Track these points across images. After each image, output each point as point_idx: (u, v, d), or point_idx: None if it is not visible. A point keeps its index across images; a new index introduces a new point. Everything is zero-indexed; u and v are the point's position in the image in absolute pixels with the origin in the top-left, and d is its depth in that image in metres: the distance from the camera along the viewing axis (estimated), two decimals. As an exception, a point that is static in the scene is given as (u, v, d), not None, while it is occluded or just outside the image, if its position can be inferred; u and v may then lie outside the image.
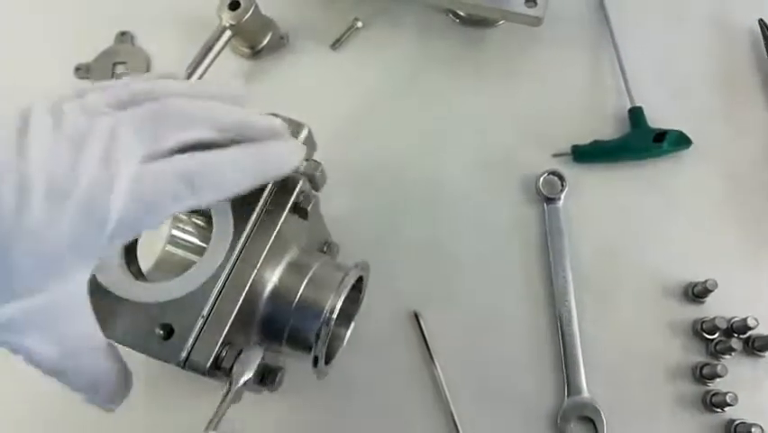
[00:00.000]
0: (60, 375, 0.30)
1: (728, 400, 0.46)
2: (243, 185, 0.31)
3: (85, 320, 0.30)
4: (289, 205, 0.36)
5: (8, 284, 0.27)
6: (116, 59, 0.61)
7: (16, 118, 0.28)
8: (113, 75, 0.61)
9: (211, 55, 0.56)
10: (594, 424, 0.47)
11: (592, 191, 0.54)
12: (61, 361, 0.30)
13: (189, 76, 0.56)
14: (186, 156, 0.30)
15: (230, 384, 0.33)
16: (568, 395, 0.48)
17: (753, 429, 0.45)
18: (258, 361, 0.33)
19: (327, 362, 0.40)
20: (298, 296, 0.37)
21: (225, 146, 0.31)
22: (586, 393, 0.48)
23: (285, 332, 0.38)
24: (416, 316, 0.50)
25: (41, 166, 0.27)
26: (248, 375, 0.33)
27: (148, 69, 0.61)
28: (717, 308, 0.50)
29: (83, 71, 0.61)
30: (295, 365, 0.44)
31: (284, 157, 0.33)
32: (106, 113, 0.29)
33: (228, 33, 0.56)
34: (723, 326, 0.48)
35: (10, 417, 0.50)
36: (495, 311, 0.51)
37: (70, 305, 0.29)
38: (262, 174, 0.32)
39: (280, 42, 0.61)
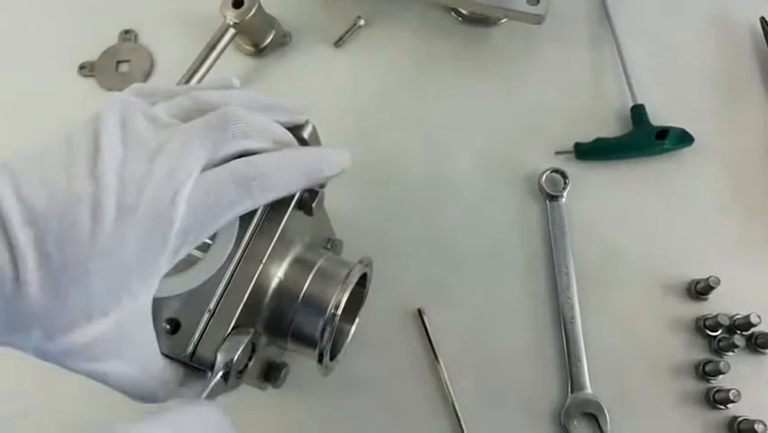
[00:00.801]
0: (130, 390, 0.31)
1: (731, 396, 0.46)
2: (295, 186, 0.34)
3: (149, 335, 0.31)
4: (294, 200, 0.36)
5: (86, 308, 0.27)
6: (120, 58, 0.61)
7: (88, 133, 0.29)
8: (116, 73, 0.61)
9: (214, 53, 0.57)
10: (597, 420, 0.47)
11: (595, 189, 0.55)
12: (135, 379, 0.30)
13: (192, 74, 0.56)
14: (240, 161, 0.31)
15: (212, 369, 0.33)
16: (571, 391, 0.48)
17: (756, 426, 0.45)
18: (242, 346, 0.33)
19: (332, 358, 0.40)
20: (303, 291, 0.37)
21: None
22: (589, 390, 0.48)
23: (290, 327, 0.38)
24: (420, 313, 0.50)
25: (113, 185, 0.27)
26: (230, 357, 0.33)
27: (151, 68, 0.61)
28: (720, 304, 0.50)
29: (87, 69, 0.61)
30: (299, 362, 0.44)
31: (333, 159, 0.35)
32: (172, 124, 0.30)
33: (232, 32, 0.57)
34: (726, 322, 0.48)
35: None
36: (498, 308, 0.51)
37: (139, 324, 0.30)
38: (312, 175, 0.34)
39: (284, 41, 0.61)
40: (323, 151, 0.36)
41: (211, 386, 0.32)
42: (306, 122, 0.39)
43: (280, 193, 0.33)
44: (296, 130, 0.37)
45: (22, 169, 0.28)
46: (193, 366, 0.33)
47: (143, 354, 0.31)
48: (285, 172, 0.32)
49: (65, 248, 0.26)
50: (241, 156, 0.32)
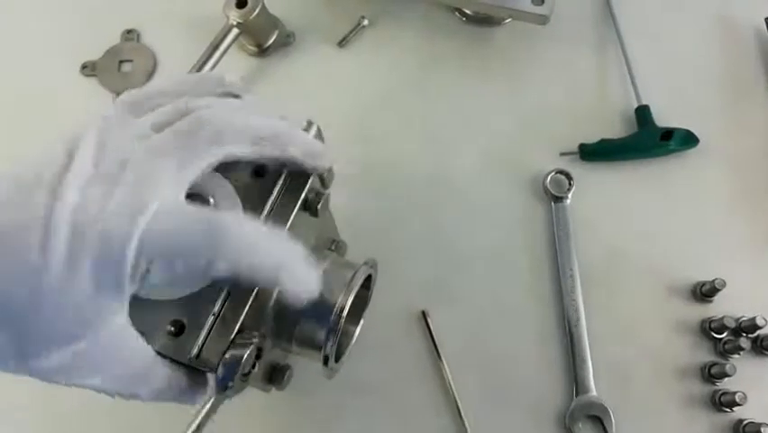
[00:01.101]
0: (131, 398, 0.31)
1: (737, 399, 0.46)
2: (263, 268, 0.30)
3: (135, 348, 0.30)
4: (300, 202, 0.35)
5: (47, 337, 0.26)
6: (122, 57, 0.61)
7: (63, 151, 0.28)
8: (118, 73, 0.61)
9: (218, 53, 0.56)
10: (602, 423, 0.47)
11: (599, 190, 0.54)
12: (127, 388, 0.30)
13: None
14: (215, 213, 0.30)
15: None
16: (576, 394, 0.48)
17: (762, 429, 0.45)
18: (248, 351, 0.33)
19: (337, 360, 0.40)
20: (308, 294, 0.37)
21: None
22: (594, 392, 0.48)
23: (294, 330, 0.37)
24: (424, 315, 0.50)
25: (71, 207, 0.26)
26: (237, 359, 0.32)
27: (154, 68, 0.61)
28: (726, 307, 0.50)
29: (89, 69, 0.61)
30: (302, 364, 0.44)
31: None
32: (147, 136, 0.29)
33: (235, 32, 0.56)
34: (731, 325, 0.48)
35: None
36: (502, 310, 0.51)
37: (116, 341, 0.29)
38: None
39: (287, 41, 0.61)
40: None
41: (214, 389, 0.32)
42: (311, 123, 0.38)
43: (243, 268, 0.29)
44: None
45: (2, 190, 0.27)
46: (196, 369, 0.33)
47: (133, 366, 0.30)
48: (254, 245, 0.29)
49: (10, 277, 0.25)
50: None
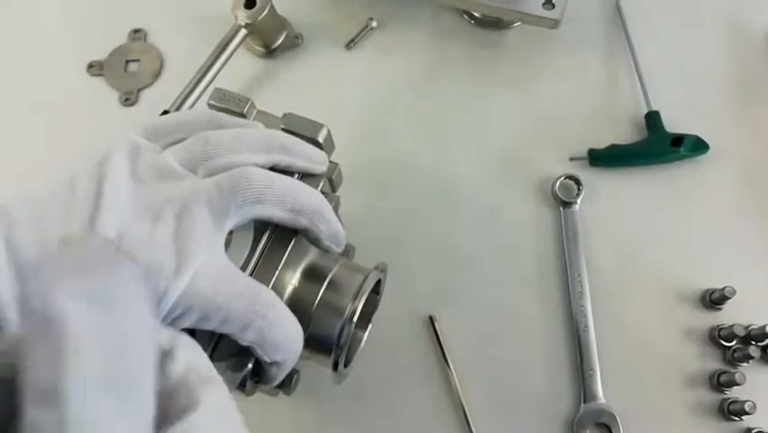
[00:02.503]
0: None
1: (746, 408, 0.46)
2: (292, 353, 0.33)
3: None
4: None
5: None
6: (129, 57, 0.61)
7: (92, 180, 0.27)
8: (125, 72, 0.60)
9: (225, 54, 0.56)
10: (610, 431, 0.47)
11: (609, 196, 0.54)
12: None
13: (203, 75, 0.55)
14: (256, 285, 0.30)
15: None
16: (584, 401, 0.48)
17: (771, 438, 0.45)
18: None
19: (346, 365, 0.40)
20: (318, 300, 0.37)
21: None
22: (602, 399, 0.48)
23: (304, 335, 0.37)
24: (432, 320, 0.50)
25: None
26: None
27: (161, 68, 0.61)
28: (735, 315, 0.49)
29: (96, 69, 0.61)
30: (310, 368, 0.44)
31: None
32: (181, 175, 0.29)
33: (243, 32, 0.56)
34: (741, 333, 0.48)
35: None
36: (510, 315, 0.51)
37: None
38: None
39: (295, 42, 0.60)
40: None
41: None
42: (321, 126, 0.38)
43: (274, 355, 0.32)
44: (310, 135, 0.37)
45: (18, 211, 0.26)
46: None
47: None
48: (286, 337, 0.32)
49: None
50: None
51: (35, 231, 0.25)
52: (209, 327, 0.29)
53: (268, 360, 0.32)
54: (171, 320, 0.28)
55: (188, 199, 0.28)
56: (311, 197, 0.33)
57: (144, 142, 0.30)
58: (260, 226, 0.34)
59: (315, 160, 0.35)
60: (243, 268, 0.33)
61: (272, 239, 0.34)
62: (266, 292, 0.31)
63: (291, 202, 0.32)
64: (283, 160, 0.34)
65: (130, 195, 0.27)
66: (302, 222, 0.33)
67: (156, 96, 0.59)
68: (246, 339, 0.30)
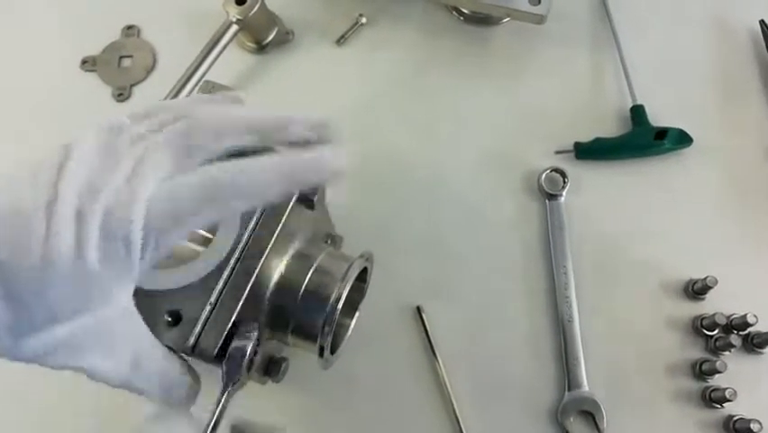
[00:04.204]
0: (129, 387, 0.31)
1: (727, 395, 0.47)
2: (272, 193, 0.31)
3: (137, 332, 0.31)
4: (296, 195, 0.36)
5: (50, 311, 0.27)
6: (123, 53, 0.62)
7: (59, 151, 0.28)
8: (118, 68, 0.61)
9: (217, 50, 0.57)
10: (594, 418, 0.48)
11: (594, 188, 0.55)
12: (124, 374, 0.30)
13: (194, 70, 0.56)
14: (212, 167, 0.30)
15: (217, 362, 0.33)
16: (568, 389, 0.48)
17: (752, 425, 0.46)
18: (253, 339, 0.33)
19: (332, 351, 0.40)
20: (304, 286, 0.38)
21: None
22: (586, 388, 0.48)
23: (291, 321, 0.38)
24: (419, 310, 0.51)
25: (73, 195, 0.27)
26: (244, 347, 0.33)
27: (153, 64, 0.61)
28: (717, 304, 0.50)
29: (89, 64, 0.61)
30: (299, 357, 0.44)
31: (320, 163, 0.32)
32: (144, 137, 0.30)
33: (234, 28, 0.57)
34: (722, 322, 0.49)
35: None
36: (497, 306, 0.51)
37: (118, 321, 0.29)
38: (295, 181, 0.32)
39: (286, 38, 0.61)
40: (310, 156, 0.32)
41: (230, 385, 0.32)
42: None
43: (254, 202, 0.31)
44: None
45: None
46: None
47: (132, 350, 0.30)
48: (258, 181, 0.30)
49: (18, 254, 0.26)
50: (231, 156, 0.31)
51: (7, 193, 0.27)
52: (199, 224, 0.30)
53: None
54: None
55: (145, 149, 0.29)
56: (265, 114, 0.33)
57: (116, 120, 0.31)
58: (246, 213, 0.35)
59: (316, 124, 0.34)
60: (230, 254, 0.34)
61: (258, 226, 0.35)
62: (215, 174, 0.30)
63: (247, 126, 0.32)
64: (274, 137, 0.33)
65: (96, 154, 0.29)
66: (272, 138, 0.33)
67: (149, 92, 0.60)
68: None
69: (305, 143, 0.33)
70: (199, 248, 0.37)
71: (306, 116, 0.34)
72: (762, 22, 0.60)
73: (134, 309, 0.30)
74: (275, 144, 0.33)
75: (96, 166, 0.28)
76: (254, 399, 0.49)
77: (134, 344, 0.31)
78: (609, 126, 0.57)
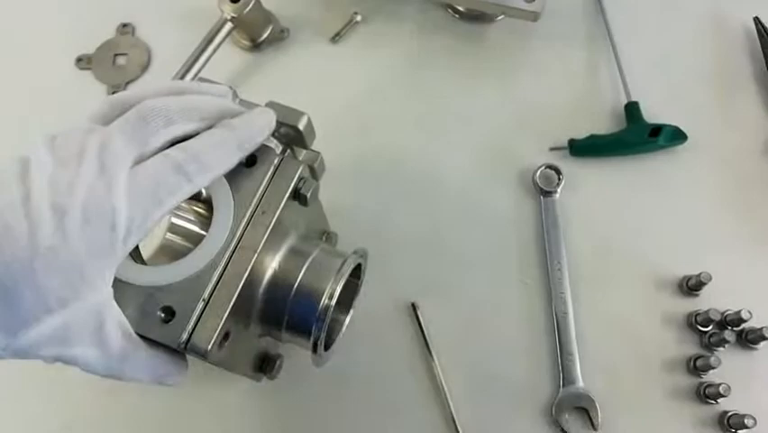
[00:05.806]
0: (118, 375, 0.32)
1: (722, 391, 0.47)
2: (231, 161, 0.34)
3: (118, 320, 0.31)
4: (289, 190, 0.36)
5: (42, 302, 0.28)
6: (117, 51, 0.62)
7: (17, 162, 0.30)
8: (113, 66, 0.61)
9: (211, 47, 0.57)
10: (589, 414, 0.48)
11: (588, 185, 0.55)
12: (112, 362, 0.31)
13: (189, 68, 0.56)
14: (174, 148, 0.32)
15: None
16: (563, 385, 0.48)
17: (746, 420, 0.46)
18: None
19: (327, 348, 0.40)
20: (298, 282, 0.38)
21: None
22: (581, 384, 0.48)
23: (285, 318, 0.38)
24: (414, 307, 0.51)
25: (44, 188, 0.28)
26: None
27: (148, 61, 0.61)
28: (711, 300, 0.50)
29: (84, 62, 0.61)
30: (294, 354, 0.45)
31: (259, 123, 0.35)
32: (94, 129, 0.31)
33: (229, 26, 0.57)
34: (717, 318, 0.49)
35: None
36: (491, 302, 0.52)
37: (107, 306, 0.30)
38: (245, 146, 0.34)
39: (281, 35, 0.61)
40: (247, 119, 0.35)
41: None
42: (302, 114, 0.39)
43: (219, 171, 0.33)
44: (291, 123, 0.38)
45: None
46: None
47: (118, 337, 0.31)
48: (218, 151, 0.33)
49: (3, 250, 0.27)
50: (179, 142, 0.33)
51: None
52: (175, 202, 0.31)
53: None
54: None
55: (102, 138, 0.30)
56: (213, 101, 0.35)
57: (56, 131, 0.32)
58: (240, 209, 0.35)
59: (220, 93, 0.36)
60: (223, 251, 0.34)
61: (252, 222, 0.35)
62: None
63: (198, 112, 0.34)
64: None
65: (52, 152, 0.30)
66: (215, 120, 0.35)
67: (144, 90, 0.60)
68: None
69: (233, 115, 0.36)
70: (192, 246, 0.38)
71: (217, 88, 0.36)
72: (756, 18, 0.60)
73: (112, 299, 0.31)
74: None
75: (58, 164, 0.29)
76: (249, 397, 0.49)
77: (122, 327, 0.31)
78: (604, 123, 0.57)
